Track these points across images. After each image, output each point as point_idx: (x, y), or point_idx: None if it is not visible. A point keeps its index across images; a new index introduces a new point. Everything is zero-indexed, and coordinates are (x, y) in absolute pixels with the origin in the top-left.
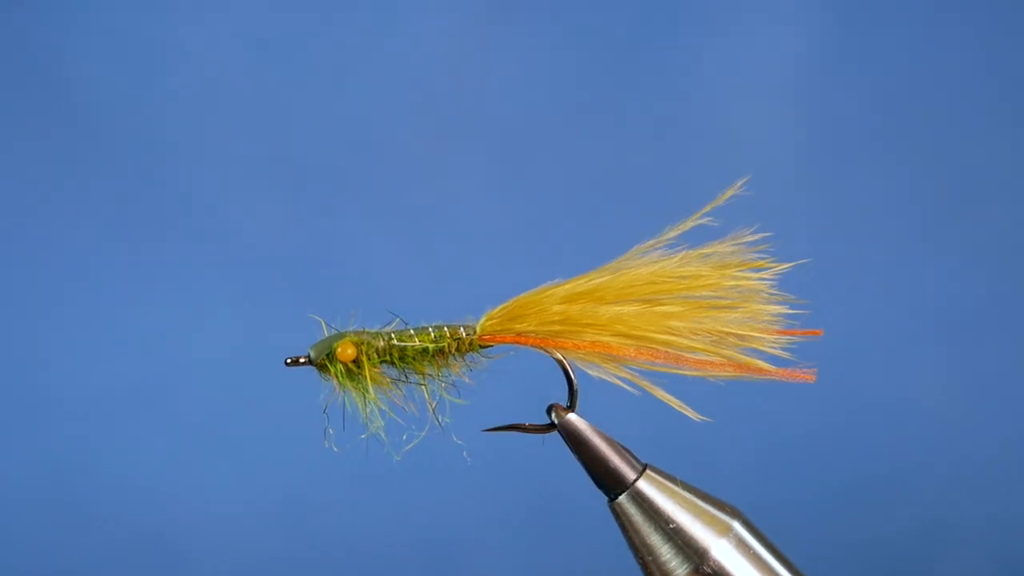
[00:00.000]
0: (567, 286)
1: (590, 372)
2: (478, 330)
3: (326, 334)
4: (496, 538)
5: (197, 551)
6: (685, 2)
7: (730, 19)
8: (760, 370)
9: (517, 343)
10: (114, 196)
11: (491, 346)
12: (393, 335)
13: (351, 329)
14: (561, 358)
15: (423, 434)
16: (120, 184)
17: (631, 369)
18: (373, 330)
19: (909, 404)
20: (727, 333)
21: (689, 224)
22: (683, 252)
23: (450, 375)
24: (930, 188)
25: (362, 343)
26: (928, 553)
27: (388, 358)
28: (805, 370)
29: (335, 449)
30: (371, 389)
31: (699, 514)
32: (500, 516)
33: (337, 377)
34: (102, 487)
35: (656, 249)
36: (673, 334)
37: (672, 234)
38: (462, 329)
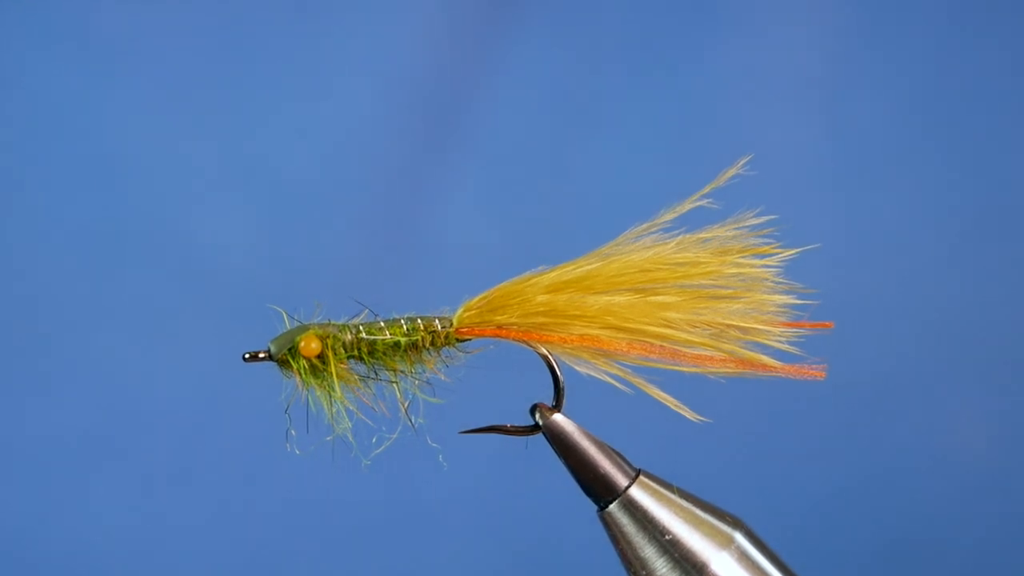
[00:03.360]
0: (552, 274)
1: (578, 368)
2: (455, 322)
3: (288, 326)
4: None
5: None
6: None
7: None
8: (765, 366)
9: (498, 336)
10: (59, 214)
11: (469, 340)
12: (362, 328)
13: (315, 321)
14: (546, 353)
15: (394, 436)
16: (65, 200)
17: (623, 365)
18: (339, 322)
19: (950, 450)
20: (728, 325)
21: (687, 206)
22: (680, 236)
23: (424, 372)
24: (969, 201)
25: (327, 336)
26: None
27: (356, 353)
28: (814, 366)
29: (297, 452)
30: (337, 387)
31: (698, 524)
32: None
33: (300, 374)
34: (51, 551)
35: (650, 233)
36: (669, 327)
37: (668, 217)
38: (437, 321)
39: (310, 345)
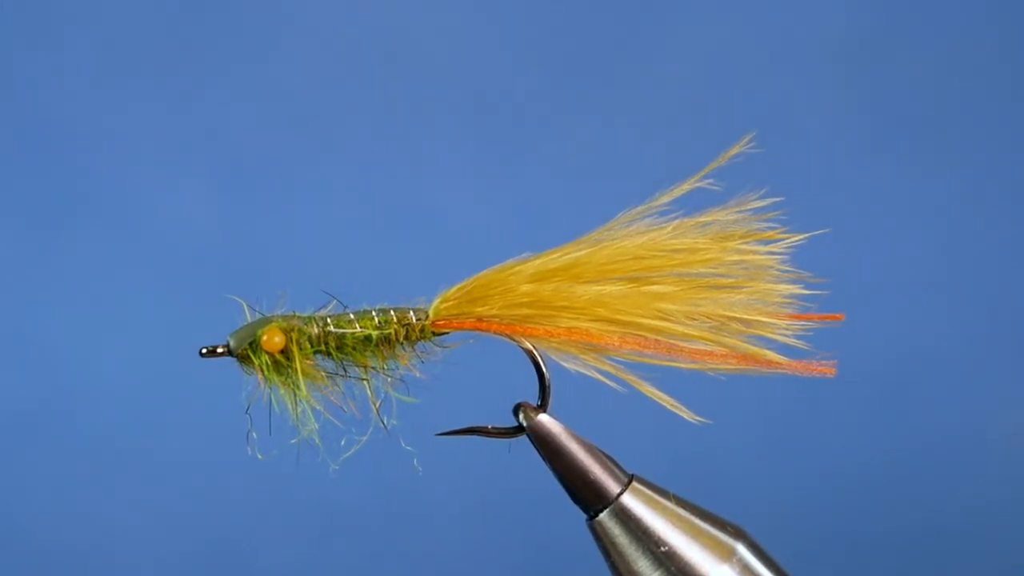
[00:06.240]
0: (537, 262)
1: (565, 365)
2: (431, 314)
3: (249, 318)
4: None
5: None
6: None
7: None
8: (769, 362)
9: (478, 330)
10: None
11: (447, 333)
12: (329, 320)
13: (279, 313)
14: (531, 348)
15: (364, 439)
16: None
17: (614, 361)
18: (305, 314)
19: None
20: (730, 318)
21: (685, 187)
22: (677, 220)
23: (398, 368)
24: (984, 181)
25: (292, 330)
26: None
27: (323, 348)
28: (824, 363)
29: (260, 456)
30: (303, 385)
31: (697, 535)
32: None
33: (262, 370)
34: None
35: (645, 217)
36: (665, 319)
37: (665, 199)
38: (412, 313)
39: (273, 339)
